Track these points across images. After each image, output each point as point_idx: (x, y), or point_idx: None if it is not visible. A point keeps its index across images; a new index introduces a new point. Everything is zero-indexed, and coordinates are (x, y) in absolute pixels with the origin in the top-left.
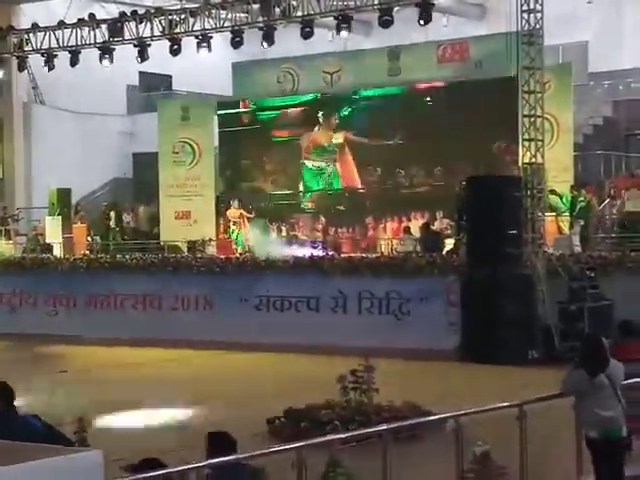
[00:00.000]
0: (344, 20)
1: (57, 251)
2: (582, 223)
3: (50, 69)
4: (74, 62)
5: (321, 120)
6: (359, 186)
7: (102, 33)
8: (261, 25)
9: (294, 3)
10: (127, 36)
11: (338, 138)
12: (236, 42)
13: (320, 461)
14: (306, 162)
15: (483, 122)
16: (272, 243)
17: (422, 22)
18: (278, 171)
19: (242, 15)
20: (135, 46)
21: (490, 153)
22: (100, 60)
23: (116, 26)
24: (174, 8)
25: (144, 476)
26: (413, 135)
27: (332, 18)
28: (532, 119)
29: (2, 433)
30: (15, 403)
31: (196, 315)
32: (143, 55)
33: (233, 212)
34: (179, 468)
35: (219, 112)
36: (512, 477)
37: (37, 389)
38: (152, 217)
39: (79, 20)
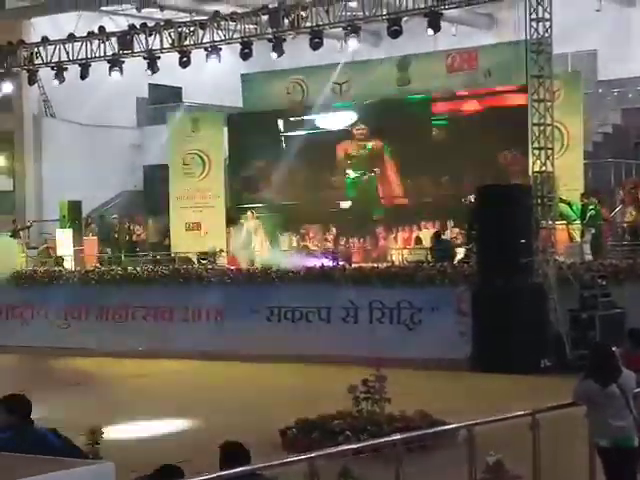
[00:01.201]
0: (353, 31)
1: (68, 264)
2: (593, 231)
3: (60, 82)
4: (84, 75)
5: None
6: (399, 194)
7: (112, 46)
8: (270, 36)
9: (303, 14)
10: (137, 49)
11: (370, 146)
12: (245, 53)
13: (332, 471)
14: (347, 171)
15: (491, 132)
16: (283, 254)
17: (431, 32)
18: (287, 181)
19: (251, 26)
20: (145, 58)
21: (496, 163)
22: (110, 73)
23: (126, 39)
24: (183, 20)
25: None
26: (421, 144)
27: (341, 29)
28: (542, 127)
29: (18, 447)
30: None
31: (207, 326)
32: (153, 67)
33: (250, 223)
34: (192, 479)
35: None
36: None
37: (50, 402)
38: (162, 229)
39: (89, 33)
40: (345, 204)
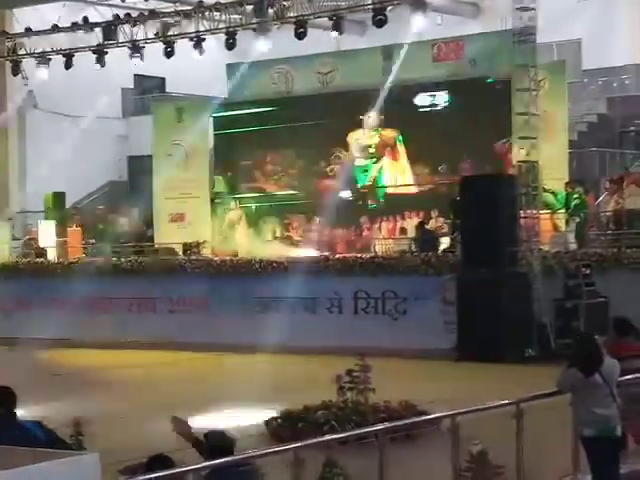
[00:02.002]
0: (338, 20)
1: (52, 255)
2: (577, 220)
3: (44, 73)
4: (68, 66)
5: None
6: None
7: (96, 36)
8: (255, 26)
9: (287, 4)
10: (121, 39)
11: (375, 137)
12: (230, 43)
13: (317, 461)
14: (356, 160)
15: (486, 120)
16: (267, 244)
17: (416, 21)
18: (279, 171)
19: (236, 16)
20: (129, 49)
21: (492, 152)
22: (94, 63)
23: (110, 29)
24: (168, 10)
25: (141, 479)
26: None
27: (326, 18)
28: (526, 117)
29: (2, 439)
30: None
31: (192, 317)
32: (137, 58)
33: (233, 213)
34: (178, 470)
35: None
36: (509, 475)
37: (33, 393)
38: (146, 220)
39: (73, 24)
40: (345, 193)
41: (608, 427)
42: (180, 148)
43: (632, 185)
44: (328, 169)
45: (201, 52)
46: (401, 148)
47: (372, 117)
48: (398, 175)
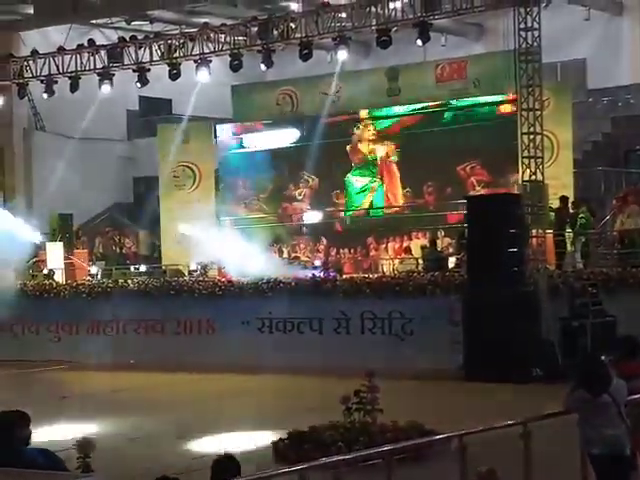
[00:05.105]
0: (342, 41)
1: (59, 277)
2: (583, 239)
3: (50, 95)
4: (74, 88)
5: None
6: (399, 203)
7: (101, 58)
8: (260, 48)
9: (292, 25)
10: (126, 61)
11: (380, 151)
12: (235, 65)
13: None
14: (351, 178)
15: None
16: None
17: (420, 42)
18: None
19: (240, 38)
20: (134, 71)
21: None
22: (100, 85)
23: (115, 51)
24: (173, 32)
25: None
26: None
27: (330, 40)
28: (531, 137)
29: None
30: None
31: (199, 339)
32: (143, 80)
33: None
34: None
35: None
36: None
37: (39, 415)
38: (153, 241)
39: (78, 46)
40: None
41: (617, 446)
42: (186, 169)
43: (633, 205)
44: (296, 193)
45: (205, 74)
46: (395, 165)
47: (369, 130)
48: (391, 195)
